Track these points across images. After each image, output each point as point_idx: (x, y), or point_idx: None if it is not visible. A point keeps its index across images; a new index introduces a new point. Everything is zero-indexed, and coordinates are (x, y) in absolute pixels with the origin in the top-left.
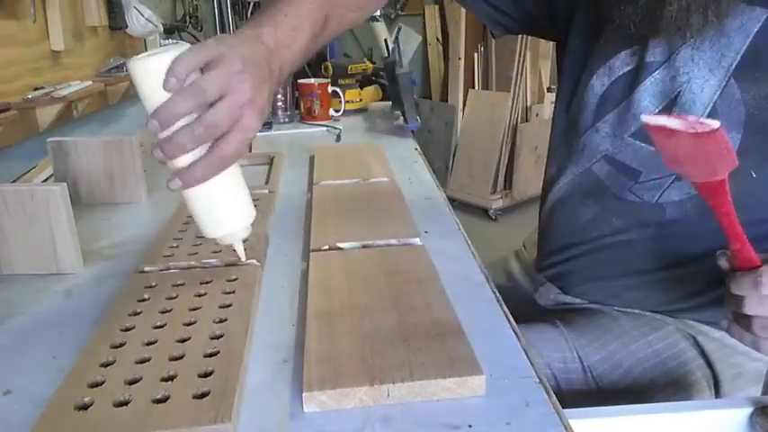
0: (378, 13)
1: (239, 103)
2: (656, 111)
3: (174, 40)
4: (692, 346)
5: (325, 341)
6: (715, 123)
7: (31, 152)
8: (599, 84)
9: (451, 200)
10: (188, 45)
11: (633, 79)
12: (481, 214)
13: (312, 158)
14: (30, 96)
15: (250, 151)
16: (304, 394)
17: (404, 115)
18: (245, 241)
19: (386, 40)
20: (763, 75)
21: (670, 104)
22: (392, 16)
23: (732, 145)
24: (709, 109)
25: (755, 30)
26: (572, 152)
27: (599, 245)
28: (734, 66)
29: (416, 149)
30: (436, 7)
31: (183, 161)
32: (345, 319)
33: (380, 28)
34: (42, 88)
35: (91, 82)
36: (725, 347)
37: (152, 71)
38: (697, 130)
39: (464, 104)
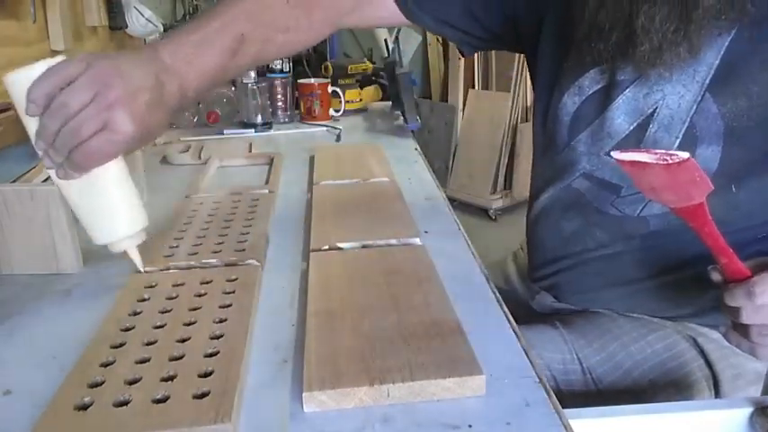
0: None
1: (103, 106)
2: (630, 128)
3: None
4: (691, 346)
5: (325, 341)
6: (684, 154)
7: (31, 152)
8: (570, 102)
9: (451, 200)
10: (57, 60)
11: (604, 97)
12: (481, 214)
13: (312, 158)
14: None
15: (250, 151)
16: (304, 394)
17: (404, 115)
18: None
19: (386, 40)
20: (738, 88)
21: (645, 122)
22: None
23: (706, 169)
24: (686, 124)
25: (726, 44)
26: (552, 168)
27: (584, 258)
28: (708, 80)
29: (416, 149)
30: None
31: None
32: (345, 319)
33: (380, 28)
34: None
35: None
36: (724, 348)
37: (17, 91)
38: (668, 161)
39: (464, 104)
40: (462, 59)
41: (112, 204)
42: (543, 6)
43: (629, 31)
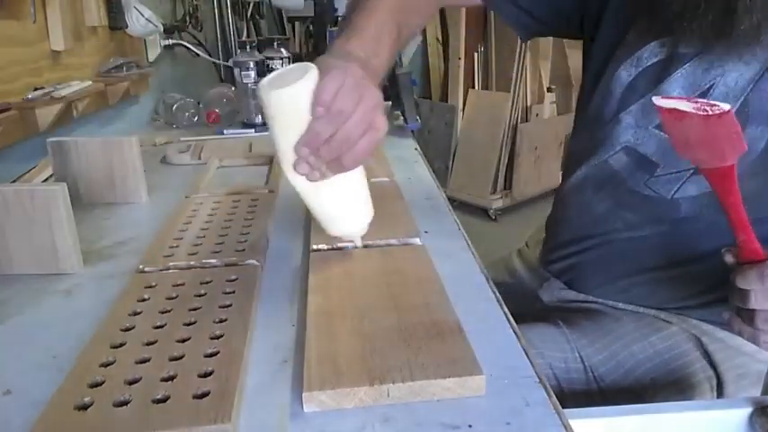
0: None
1: (370, 107)
2: None
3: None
4: (695, 346)
5: (325, 341)
6: (726, 106)
7: (31, 152)
8: (626, 74)
9: (451, 200)
10: (310, 67)
11: (662, 70)
12: (481, 214)
13: None
14: (30, 96)
15: (250, 151)
16: (304, 394)
17: (404, 115)
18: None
19: None
20: None
21: (700, 96)
22: None
23: (752, 150)
24: (740, 102)
25: None
26: (593, 141)
27: (611, 239)
28: None
29: (416, 149)
30: None
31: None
32: (345, 319)
33: None
34: (42, 88)
35: (91, 82)
36: (729, 348)
37: (288, 100)
38: (708, 112)
39: (464, 104)
40: (462, 59)
41: (360, 196)
42: None
43: (727, 8)
